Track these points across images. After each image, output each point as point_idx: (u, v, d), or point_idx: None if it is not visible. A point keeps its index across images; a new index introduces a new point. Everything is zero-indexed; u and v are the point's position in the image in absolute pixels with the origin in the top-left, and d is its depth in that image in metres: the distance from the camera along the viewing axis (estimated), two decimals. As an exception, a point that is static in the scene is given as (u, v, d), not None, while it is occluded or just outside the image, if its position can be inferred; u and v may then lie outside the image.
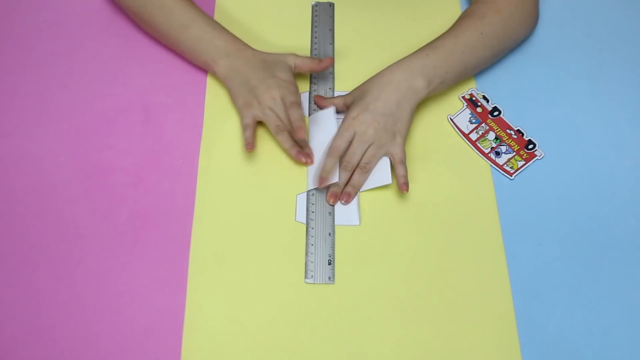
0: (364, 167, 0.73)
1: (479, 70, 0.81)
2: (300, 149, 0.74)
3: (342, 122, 0.74)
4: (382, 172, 0.73)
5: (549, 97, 0.82)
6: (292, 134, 0.74)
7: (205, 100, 0.79)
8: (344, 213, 0.73)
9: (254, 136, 0.74)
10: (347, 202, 0.73)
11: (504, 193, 0.75)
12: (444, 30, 0.79)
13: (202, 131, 0.77)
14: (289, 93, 0.74)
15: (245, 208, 0.73)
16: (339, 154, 0.73)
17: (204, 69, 0.81)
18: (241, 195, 0.73)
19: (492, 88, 0.82)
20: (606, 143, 0.79)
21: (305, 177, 0.75)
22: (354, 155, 0.73)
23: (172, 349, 0.65)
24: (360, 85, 0.77)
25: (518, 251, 0.71)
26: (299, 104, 0.74)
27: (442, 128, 0.79)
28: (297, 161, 0.74)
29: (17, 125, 0.77)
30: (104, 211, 0.72)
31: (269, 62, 0.76)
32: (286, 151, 0.75)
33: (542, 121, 0.80)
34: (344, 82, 0.81)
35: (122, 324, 0.66)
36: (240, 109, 0.76)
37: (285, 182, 0.74)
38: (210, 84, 0.81)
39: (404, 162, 0.73)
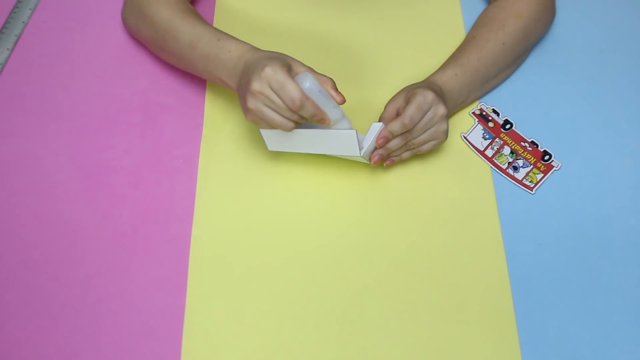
0: (423, 127, 0.69)
1: (497, 81, 0.80)
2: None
3: (413, 100, 0.68)
4: (350, 143, 0.67)
5: (548, 99, 0.82)
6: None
7: (205, 100, 0.79)
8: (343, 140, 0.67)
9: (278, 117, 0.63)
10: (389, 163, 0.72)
11: (504, 193, 0.75)
12: (444, 30, 0.79)
13: (202, 131, 0.77)
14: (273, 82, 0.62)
15: (245, 208, 0.73)
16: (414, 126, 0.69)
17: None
18: (241, 195, 0.73)
19: (493, 92, 0.82)
20: (606, 143, 0.79)
21: (306, 177, 0.75)
22: (414, 118, 0.68)
23: (172, 349, 0.64)
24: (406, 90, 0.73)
25: (518, 251, 0.71)
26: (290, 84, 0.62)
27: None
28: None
29: (17, 125, 0.77)
30: (104, 211, 0.72)
31: (262, 60, 0.65)
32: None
33: (542, 122, 0.80)
34: (344, 82, 0.81)
35: (122, 324, 0.66)
36: (242, 107, 0.66)
37: (284, 182, 0.74)
38: (211, 83, 0.81)
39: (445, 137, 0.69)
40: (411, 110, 0.67)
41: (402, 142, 0.70)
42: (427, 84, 0.72)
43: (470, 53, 0.76)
